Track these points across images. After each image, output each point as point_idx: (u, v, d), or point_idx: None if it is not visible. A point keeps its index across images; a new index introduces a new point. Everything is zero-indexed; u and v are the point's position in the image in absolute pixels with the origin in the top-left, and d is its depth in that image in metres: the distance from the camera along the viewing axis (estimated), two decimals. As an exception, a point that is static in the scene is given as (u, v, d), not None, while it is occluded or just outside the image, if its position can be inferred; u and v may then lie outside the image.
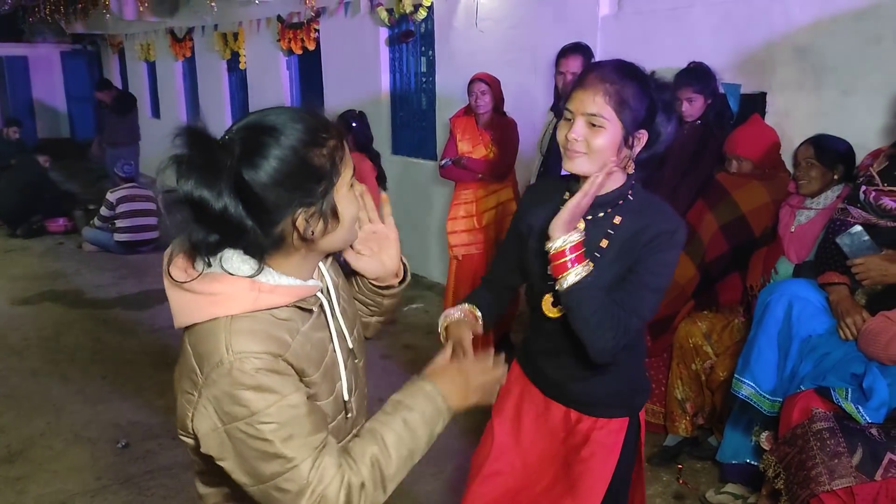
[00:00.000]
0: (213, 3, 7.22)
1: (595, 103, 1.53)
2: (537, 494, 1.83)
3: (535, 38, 4.58)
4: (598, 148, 1.54)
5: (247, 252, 1.16)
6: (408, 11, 5.52)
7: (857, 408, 2.27)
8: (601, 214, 1.64)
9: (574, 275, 1.54)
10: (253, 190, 1.09)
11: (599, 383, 1.76)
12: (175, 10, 9.51)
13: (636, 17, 4.10)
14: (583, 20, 4.32)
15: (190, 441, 1.22)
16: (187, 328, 1.18)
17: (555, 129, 3.83)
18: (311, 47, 6.93)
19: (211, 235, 1.12)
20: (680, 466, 3.21)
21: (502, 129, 4.17)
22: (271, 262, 1.19)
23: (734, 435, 2.88)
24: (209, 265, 1.16)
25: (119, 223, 7.11)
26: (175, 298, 1.17)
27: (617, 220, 1.63)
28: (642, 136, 1.58)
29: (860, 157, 2.86)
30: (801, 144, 2.94)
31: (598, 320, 1.56)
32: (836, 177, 2.85)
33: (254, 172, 1.09)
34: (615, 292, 1.59)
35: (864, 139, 3.00)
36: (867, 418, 2.26)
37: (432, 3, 5.43)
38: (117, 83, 13.44)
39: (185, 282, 1.15)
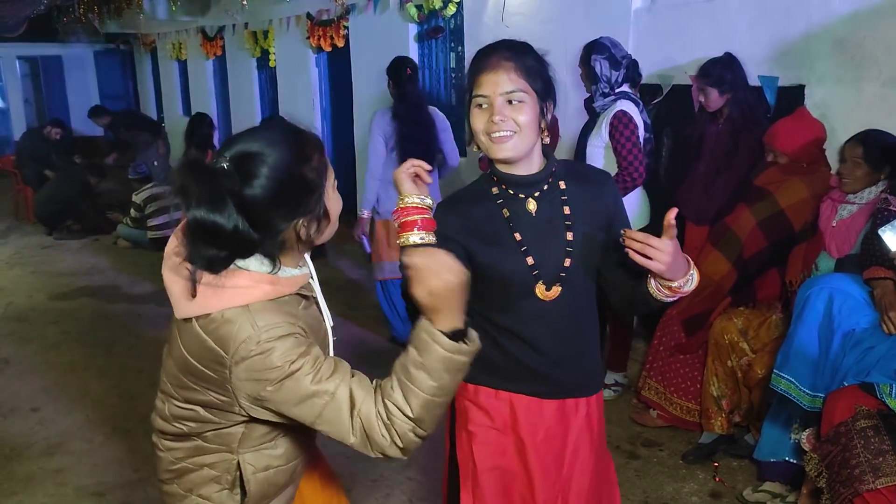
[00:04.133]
0: (244, 2, 7.27)
1: (510, 80, 1.54)
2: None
3: (566, 33, 4.54)
4: (525, 123, 1.55)
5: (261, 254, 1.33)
6: (437, 7, 5.51)
7: (901, 405, 2.22)
8: (545, 187, 1.66)
9: (418, 238, 1.53)
10: (257, 209, 1.26)
11: (592, 359, 1.82)
12: (206, 9, 9.60)
13: (670, 10, 4.06)
14: (614, 14, 4.29)
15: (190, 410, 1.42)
16: (194, 318, 1.33)
17: (580, 132, 3.77)
18: (341, 44, 6.96)
19: (222, 252, 1.28)
20: (716, 464, 3.18)
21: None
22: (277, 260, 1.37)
23: (772, 433, 2.84)
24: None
25: (151, 221, 7.21)
26: (182, 291, 1.32)
27: (562, 184, 1.67)
28: (551, 105, 1.62)
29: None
30: (849, 141, 2.88)
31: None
32: (882, 177, 2.80)
33: (255, 193, 1.25)
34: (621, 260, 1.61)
35: (907, 132, 2.94)
36: (912, 416, 2.21)
37: (462, -2, 5.43)
38: (149, 83, 13.65)
39: (198, 280, 1.30)
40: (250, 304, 1.30)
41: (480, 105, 1.57)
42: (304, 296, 1.44)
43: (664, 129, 4.13)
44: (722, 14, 3.75)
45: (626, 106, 3.51)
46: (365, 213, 4.27)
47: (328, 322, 1.51)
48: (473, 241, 1.65)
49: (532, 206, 1.65)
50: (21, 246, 7.70)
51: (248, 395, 1.32)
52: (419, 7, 5.76)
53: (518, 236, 1.64)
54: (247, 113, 9.52)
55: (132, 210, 7.38)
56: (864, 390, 2.33)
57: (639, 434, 3.47)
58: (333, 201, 1.38)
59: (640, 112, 3.61)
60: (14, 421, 3.76)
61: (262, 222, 1.27)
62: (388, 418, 1.28)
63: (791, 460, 2.77)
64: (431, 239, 1.54)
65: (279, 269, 1.34)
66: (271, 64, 8.42)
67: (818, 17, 3.34)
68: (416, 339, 1.29)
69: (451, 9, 5.47)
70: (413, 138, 4.07)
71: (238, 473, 1.46)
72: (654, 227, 4.24)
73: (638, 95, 3.81)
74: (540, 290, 1.64)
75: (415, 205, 1.55)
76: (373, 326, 4.91)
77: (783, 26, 3.48)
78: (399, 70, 4.16)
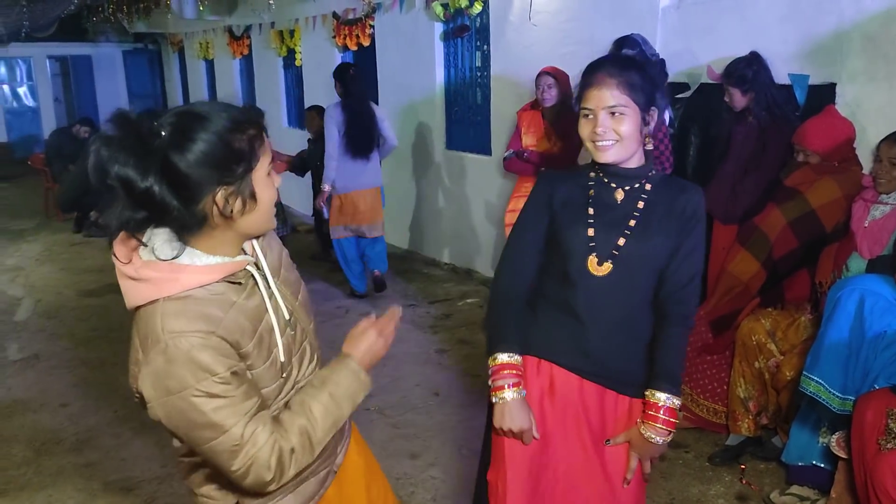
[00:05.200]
0: (271, 1, 7.32)
1: (613, 96, 1.69)
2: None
3: (592, 31, 4.52)
4: (626, 134, 1.70)
5: (173, 231, 1.26)
6: (463, 6, 5.50)
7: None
8: (636, 184, 1.79)
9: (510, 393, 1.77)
10: (178, 170, 1.19)
11: (639, 356, 1.80)
12: (233, 8, 9.68)
13: (698, 7, 4.01)
14: (642, 12, 4.25)
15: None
16: (135, 311, 1.29)
17: None
18: (367, 43, 6.97)
19: (138, 213, 1.22)
20: (743, 466, 3.14)
21: (568, 122, 4.13)
22: (196, 244, 1.29)
23: (801, 436, 2.80)
24: (145, 248, 1.27)
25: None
26: (122, 283, 1.29)
27: (648, 186, 1.79)
28: (654, 113, 1.76)
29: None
30: (884, 141, 2.83)
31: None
32: None
33: (180, 155, 1.19)
34: (675, 281, 1.75)
35: (940, 131, 2.88)
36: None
37: (488, -3, 5.41)
38: (177, 82, 13.80)
39: (125, 268, 1.27)
40: (169, 297, 1.24)
41: (587, 115, 1.74)
42: (237, 282, 1.33)
43: (691, 128, 4.09)
44: (751, 11, 3.70)
45: None
46: (326, 187, 5.22)
47: (276, 313, 1.38)
48: (557, 209, 1.82)
49: (620, 195, 1.78)
50: (51, 243, 7.83)
51: (149, 399, 1.25)
52: (445, 6, 5.76)
53: (591, 211, 1.78)
54: (273, 112, 9.58)
55: None
56: (895, 393, 2.29)
57: (664, 435, 3.43)
58: (264, 187, 1.31)
59: (666, 108, 3.61)
60: (44, 416, 3.83)
61: (183, 183, 1.20)
62: (276, 447, 1.29)
63: (819, 464, 2.73)
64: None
65: (183, 251, 1.26)
66: (297, 63, 8.47)
67: (850, 13, 3.28)
68: (337, 372, 1.43)
69: (477, 7, 5.46)
70: (360, 125, 5.09)
71: None
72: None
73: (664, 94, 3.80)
74: (592, 263, 1.75)
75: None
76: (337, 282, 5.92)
77: (814, 23, 3.42)
78: (344, 72, 5.16)
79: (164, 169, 1.18)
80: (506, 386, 1.77)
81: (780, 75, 3.45)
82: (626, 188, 1.79)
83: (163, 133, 1.20)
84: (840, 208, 3.00)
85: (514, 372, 1.78)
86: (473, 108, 6.04)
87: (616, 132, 1.70)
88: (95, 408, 3.90)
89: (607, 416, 1.81)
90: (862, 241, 2.86)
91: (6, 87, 14.49)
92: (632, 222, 1.75)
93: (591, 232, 1.76)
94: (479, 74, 5.90)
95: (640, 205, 1.77)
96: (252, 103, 1.30)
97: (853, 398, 2.43)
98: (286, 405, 1.39)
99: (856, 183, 3.01)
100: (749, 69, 3.35)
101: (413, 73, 6.49)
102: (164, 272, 1.25)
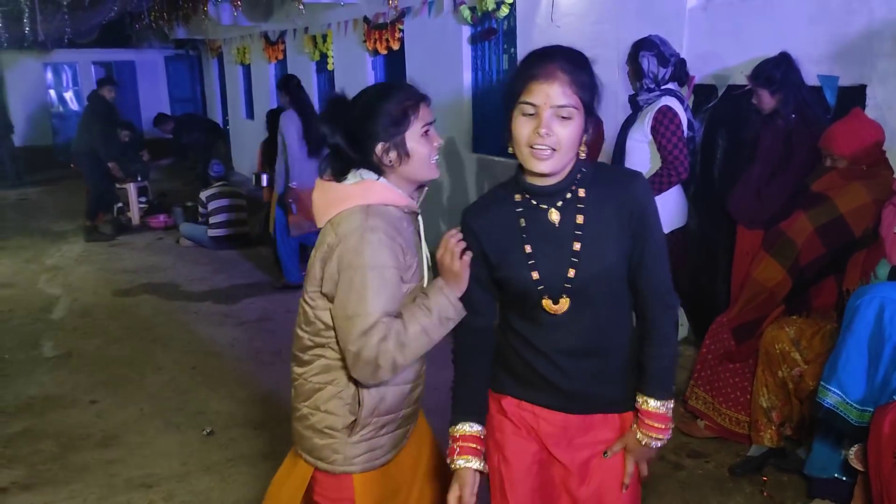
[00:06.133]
0: (301, 6, 7.40)
1: (564, 94, 1.49)
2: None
3: (619, 33, 4.47)
4: (568, 141, 1.51)
5: (371, 170, 1.76)
6: (490, 9, 5.50)
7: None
8: (568, 196, 1.60)
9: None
10: (354, 127, 1.74)
11: (621, 375, 1.71)
12: (269, 14, 9.82)
13: (726, 8, 3.94)
14: (668, 13, 4.19)
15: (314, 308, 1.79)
16: (329, 222, 1.75)
17: (621, 127, 3.75)
18: (396, 47, 7.01)
19: (338, 164, 1.79)
20: (765, 478, 3.06)
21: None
22: (386, 178, 1.77)
23: (823, 447, 2.72)
24: (353, 174, 1.77)
25: (212, 219, 7.41)
26: (322, 201, 1.79)
27: (581, 192, 1.60)
28: (592, 122, 1.57)
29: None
30: None
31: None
32: None
33: (353, 115, 1.75)
34: (647, 277, 1.63)
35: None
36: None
37: (515, 0, 5.39)
38: (216, 86, 14.04)
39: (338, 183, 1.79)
40: (370, 206, 1.70)
41: (527, 112, 1.51)
42: (415, 212, 1.83)
43: (718, 131, 4.02)
44: (779, 11, 3.62)
45: (671, 102, 3.49)
46: (294, 184, 5.63)
47: (425, 253, 1.86)
48: (492, 253, 1.66)
49: (555, 216, 1.60)
50: (90, 244, 8.02)
51: (329, 275, 1.70)
52: (473, 9, 5.76)
53: (528, 248, 1.61)
54: (306, 115, 9.69)
55: (199, 208, 7.62)
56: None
57: (685, 444, 3.38)
58: (418, 143, 1.74)
59: (685, 109, 3.56)
60: (73, 412, 3.92)
61: (357, 140, 1.73)
62: (385, 339, 1.64)
63: (841, 477, 2.65)
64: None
65: (380, 178, 1.75)
66: (329, 67, 8.56)
67: (881, 12, 3.19)
68: (429, 289, 1.73)
69: (504, 10, 5.45)
70: (313, 129, 5.41)
71: (356, 388, 1.77)
72: (690, 229, 4.16)
73: (687, 95, 3.75)
74: (547, 304, 1.60)
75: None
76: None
77: (844, 23, 3.34)
78: (289, 82, 5.68)
79: (344, 130, 1.74)
80: (456, 455, 1.71)
81: (810, 77, 3.38)
82: (560, 204, 1.60)
83: (346, 103, 1.79)
84: (869, 213, 2.91)
85: (472, 446, 1.71)
86: (500, 111, 6.01)
87: (558, 138, 1.50)
88: (123, 405, 3.98)
89: (598, 437, 1.73)
90: (892, 247, 2.77)
91: (52, 93, 14.90)
92: (576, 245, 1.57)
93: (535, 275, 1.59)
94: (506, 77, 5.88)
95: (580, 219, 1.58)
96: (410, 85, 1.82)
97: (872, 410, 2.36)
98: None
99: (885, 187, 2.92)
100: (777, 70, 3.28)
101: (441, 77, 6.50)
102: (373, 185, 1.74)
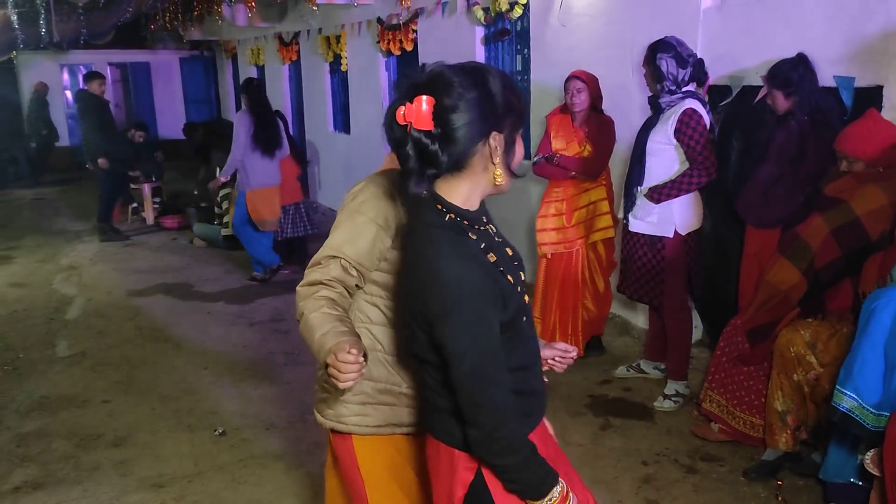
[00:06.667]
0: (315, 7, 7.42)
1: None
2: None
3: (633, 34, 4.44)
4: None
5: None
6: (504, 10, 5.48)
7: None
8: (491, 225, 1.61)
9: None
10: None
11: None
12: (283, 15, 9.85)
13: (741, 8, 3.91)
14: (683, 13, 4.16)
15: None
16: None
17: (640, 129, 3.74)
18: (409, 48, 7.01)
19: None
20: (780, 482, 3.03)
21: (598, 127, 4.08)
22: None
23: (839, 451, 2.69)
24: None
25: (226, 219, 7.44)
26: None
27: (493, 228, 1.61)
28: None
29: None
30: None
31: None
32: None
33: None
34: None
35: None
36: None
37: (528, 0, 5.37)
38: (230, 87, 14.10)
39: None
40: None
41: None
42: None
43: (733, 132, 3.99)
44: (795, 11, 3.59)
45: (694, 104, 3.48)
46: (222, 179, 6.28)
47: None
48: (498, 293, 1.47)
49: (493, 227, 1.61)
50: (105, 244, 8.07)
51: None
52: (486, 10, 5.75)
53: (510, 279, 1.52)
54: (319, 115, 9.72)
55: (215, 207, 7.67)
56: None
57: (699, 448, 3.35)
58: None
59: (707, 112, 3.54)
60: (86, 412, 3.94)
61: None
62: (313, 283, 1.71)
63: (857, 482, 2.62)
64: None
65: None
66: (343, 68, 8.57)
67: (899, 13, 3.15)
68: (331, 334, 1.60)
69: (518, 11, 5.43)
70: (265, 129, 5.96)
71: None
72: (705, 231, 4.13)
73: (705, 95, 3.72)
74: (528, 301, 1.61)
75: None
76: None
77: (860, 23, 3.30)
78: (249, 84, 6.08)
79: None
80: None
81: (826, 77, 3.34)
82: (495, 231, 1.60)
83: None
84: (886, 216, 2.88)
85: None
86: (517, 111, 6.00)
87: None
88: (135, 405, 4.00)
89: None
90: (909, 250, 2.73)
91: (69, 94, 14.99)
92: (509, 251, 1.59)
93: (510, 277, 1.52)
94: (519, 78, 5.86)
95: (510, 252, 1.59)
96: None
97: (888, 414, 2.32)
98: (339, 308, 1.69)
99: (904, 189, 2.88)
100: (794, 72, 3.25)
101: (455, 78, 6.49)
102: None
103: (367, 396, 1.80)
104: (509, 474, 1.46)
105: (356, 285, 1.74)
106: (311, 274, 1.72)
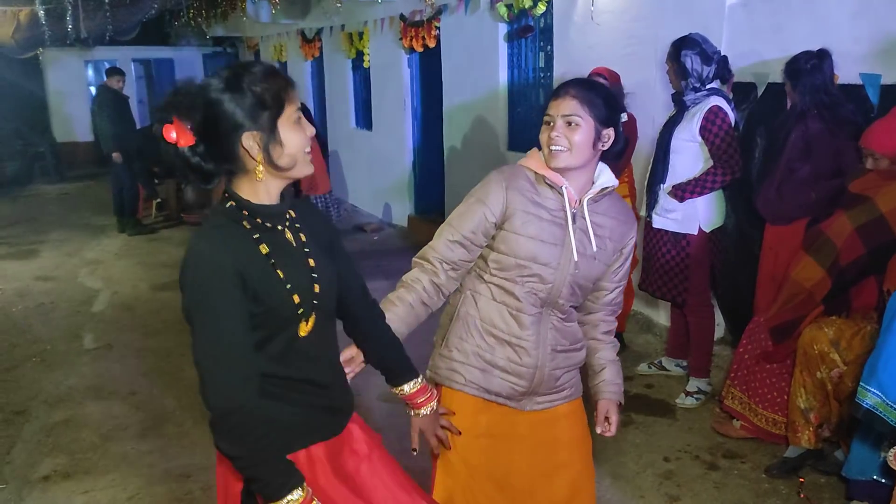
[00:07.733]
0: (338, 4, 7.45)
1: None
2: None
3: (656, 30, 4.43)
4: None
5: None
6: (527, 6, 5.48)
7: None
8: (288, 215, 1.62)
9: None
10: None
11: (345, 378, 1.83)
12: (306, 12, 9.91)
13: (767, 5, 3.88)
14: (707, 10, 4.14)
15: None
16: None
17: (663, 126, 3.73)
18: (432, 45, 7.02)
19: None
20: (802, 480, 3.03)
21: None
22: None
23: (862, 449, 2.68)
24: None
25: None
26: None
27: (292, 212, 1.64)
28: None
29: None
30: None
31: None
32: None
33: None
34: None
35: None
36: None
37: (551, -3, 5.38)
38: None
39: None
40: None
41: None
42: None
43: (757, 129, 3.97)
44: (821, 8, 3.56)
45: (720, 102, 3.47)
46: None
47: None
48: (249, 291, 1.48)
49: (289, 235, 1.58)
50: (129, 238, 8.18)
51: None
52: (509, 6, 5.75)
53: (281, 274, 1.51)
54: (342, 111, 9.76)
55: None
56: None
57: (720, 445, 3.35)
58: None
59: (732, 110, 3.53)
60: (113, 403, 4.01)
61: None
62: (421, 260, 1.99)
63: (881, 479, 2.61)
64: None
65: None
66: (365, 65, 8.60)
67: (927, 9, 3.12)
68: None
69: (541, 7, 5.42)
70: None
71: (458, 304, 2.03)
72: (727, 228, 4.11)
73: (730, 92, 3.70)
74: (303, 327, 1.55)
75: None
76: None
77: (887, 20, 3.27)
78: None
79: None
80: None
81: (852, 75, 3.32)
82: (287, 223, 1.60)
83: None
84: (911, 213, 2.86)
85: None
86: (536, 108, 6.00)
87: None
88: (161, 397, 4.06)
89: (360, 457, 1.77)
90: (935, 248, 2.72)
91: (93, 90, 15.17)
92: (311, 262, 1.63)
93: (296, 298, 1.57)
94: (542, 75, 5.86)
95: (303, 237, 1.63)
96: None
97: (913, 412, 2.31)
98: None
99: (929, 187, 2.86)
100: (804, 64, 3.23)
101: (477, 74, 6.50)
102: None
103: (459, 353, 2.00)
104: (237, 463, 1.50)
105: (461, 260, 1.95)
106: (423, 251, 1.97)
